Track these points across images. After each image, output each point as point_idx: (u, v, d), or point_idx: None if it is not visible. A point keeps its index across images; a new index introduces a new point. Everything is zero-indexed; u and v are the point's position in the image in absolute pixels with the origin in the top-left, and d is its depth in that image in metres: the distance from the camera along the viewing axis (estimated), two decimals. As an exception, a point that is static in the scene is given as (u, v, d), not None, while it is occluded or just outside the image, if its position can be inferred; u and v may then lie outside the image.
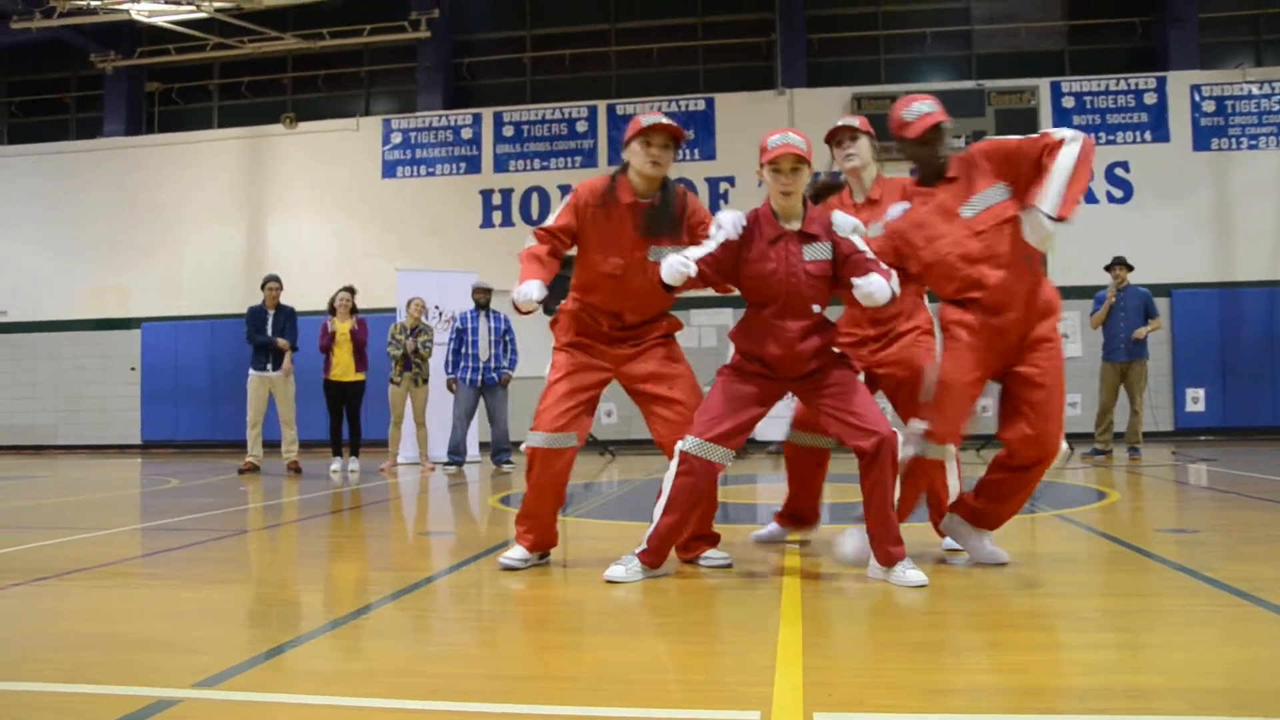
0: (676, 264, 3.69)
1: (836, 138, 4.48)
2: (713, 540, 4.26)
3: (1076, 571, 4.13)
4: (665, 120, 4.02)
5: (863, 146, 4.44)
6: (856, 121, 4.51)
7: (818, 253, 3.76)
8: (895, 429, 3.72)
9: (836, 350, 3.92)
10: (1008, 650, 2.80)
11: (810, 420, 4.27)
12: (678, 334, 4.33)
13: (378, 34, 16.83)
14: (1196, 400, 14.94)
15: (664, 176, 4.10)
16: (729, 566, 4.12)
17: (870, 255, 3.73)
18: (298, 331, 10.85)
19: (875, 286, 3.60)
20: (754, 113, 15.62)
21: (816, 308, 3.77)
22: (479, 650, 2.97)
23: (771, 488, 7.93)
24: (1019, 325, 3.79)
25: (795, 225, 3.78)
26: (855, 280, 3.64)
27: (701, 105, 16.11)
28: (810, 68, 16.33)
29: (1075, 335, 15.03)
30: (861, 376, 4.04)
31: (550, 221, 4.13)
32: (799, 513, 4.71)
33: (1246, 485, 7.42)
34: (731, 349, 3.99)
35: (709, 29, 17.14)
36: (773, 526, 4.80)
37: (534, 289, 3.85)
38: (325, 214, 16.75)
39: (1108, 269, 10.83)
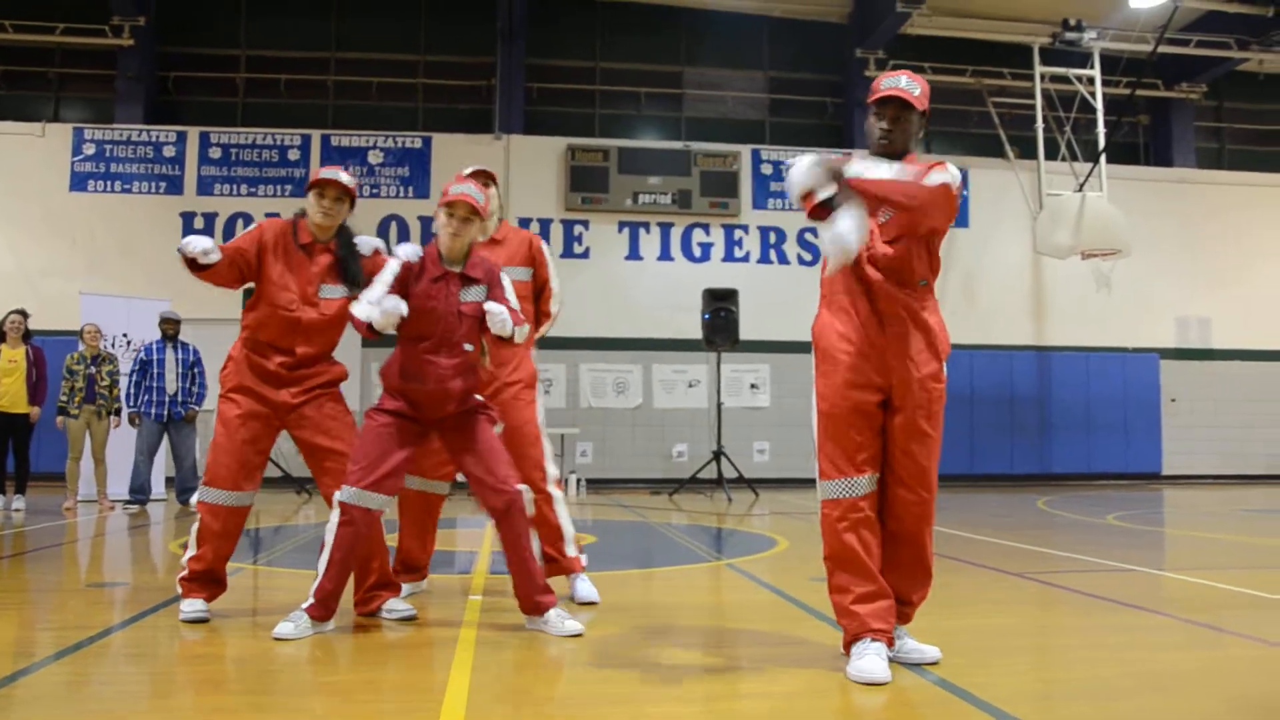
0: (391, 308, 3.80)
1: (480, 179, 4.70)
2: (394, 589, 4.37)
3: (733, 621, 4.52)
4: (337, 177, 4.24)
5: (493, 195, 4.73)
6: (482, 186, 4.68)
7: (473, 295, 4.05)
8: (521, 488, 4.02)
9: (480, 398, 4.17)
10: (657, 704, 3.07)
11: (424, 465, 4.43)
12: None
13: (72, 35, 15.73)
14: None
15: (341, 224, 4.33)
16: (413, 618, 4.23)
17: (512, 301, 4.07)
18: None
19: (498, 310, 3.90)
20: (471, 154, 15.64)
21: (469, 346, 4.03)
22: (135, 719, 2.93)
23: (471, 533, 8.06)
24: None
25: (457, 268, 4.04)
26: (487, 305, 3.94)
27: (419, 144, 16.11)
28: (528, 115, 16.72)
29: (764, 387, 16.17)
30: (499, 427, 4.23)
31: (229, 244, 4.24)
32: (410, 562, 4.72)
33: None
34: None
35: (430, 68, 17.17)
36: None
37: (202, 240, 4.00)
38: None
39: None
